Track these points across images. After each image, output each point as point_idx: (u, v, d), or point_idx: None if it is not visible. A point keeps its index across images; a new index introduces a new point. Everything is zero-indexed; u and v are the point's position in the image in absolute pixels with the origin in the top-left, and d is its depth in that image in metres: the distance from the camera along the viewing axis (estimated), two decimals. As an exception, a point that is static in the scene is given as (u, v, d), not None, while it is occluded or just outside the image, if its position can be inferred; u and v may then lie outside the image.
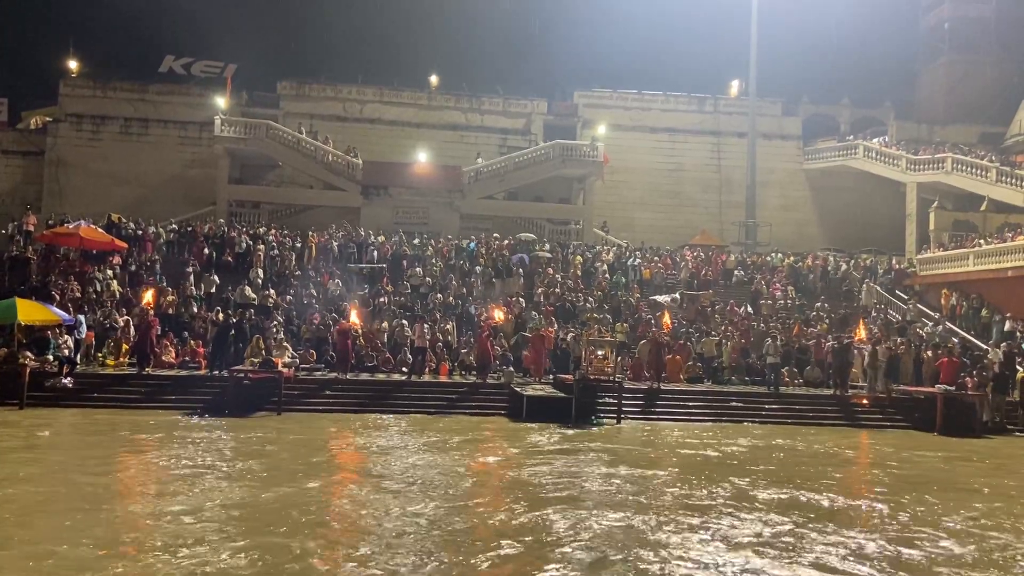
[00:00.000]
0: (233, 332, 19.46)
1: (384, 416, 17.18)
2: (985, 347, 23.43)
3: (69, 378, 17.65)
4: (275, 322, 21.53)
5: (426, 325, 21.55)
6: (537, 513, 9.03)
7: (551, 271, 27.55)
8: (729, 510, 9.49)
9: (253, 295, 23.22)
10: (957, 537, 8.72)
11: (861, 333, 22.39)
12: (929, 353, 21.48)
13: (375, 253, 27.59)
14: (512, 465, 12.25)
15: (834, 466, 13.37)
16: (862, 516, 9.66)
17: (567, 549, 7.70)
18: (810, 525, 8.93)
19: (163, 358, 20.00)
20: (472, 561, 7.30)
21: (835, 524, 9.02)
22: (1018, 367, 20.50)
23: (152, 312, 20.41)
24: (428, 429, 15.56)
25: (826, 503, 10.20)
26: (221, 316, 21.14)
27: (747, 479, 11.49)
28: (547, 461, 12.49)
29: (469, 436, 15.02)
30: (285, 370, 18.00)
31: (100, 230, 24.94)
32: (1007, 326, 24.58)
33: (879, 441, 16.79)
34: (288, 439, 13.81)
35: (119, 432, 13.99)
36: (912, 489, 11.30)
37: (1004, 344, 22.36)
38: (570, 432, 15.87)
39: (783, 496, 10.45)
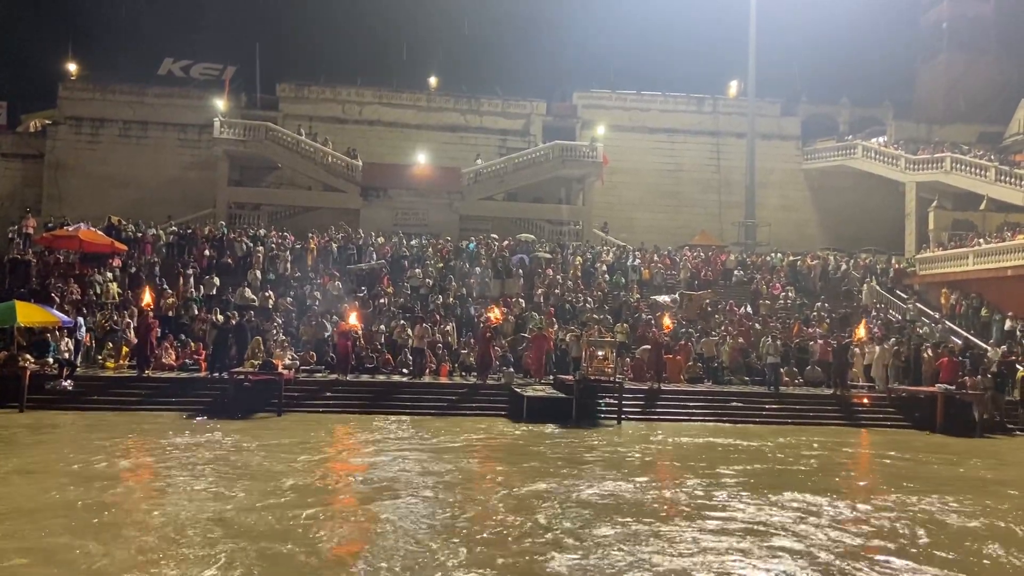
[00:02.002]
0: (233, 334, 19.44)
1: (385, 417, 17.16)
2: (985, 346, 23.46)
3: (69, 380, 17.66)
4: (275, 324, 21.54)
5: (426, 326, 21.56)
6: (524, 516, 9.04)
7: (551, 272, 27.54)
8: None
9: (253, 297, 23.24)
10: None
11: (861, 333, 22.40)
12: (929, 352, 21.50)
13: (374, 255, 27.60)
14: (508, 462, 12.26)
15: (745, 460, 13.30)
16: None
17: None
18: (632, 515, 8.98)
19: (163, 360, 20.02)
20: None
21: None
22: (1018, 366, 20.53)
23: (152, 314, 20.41)
24: (428, 430, 15.54)
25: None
26: (221, 318, 21.12)
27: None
28: (545, 467, 12.49)
29: (467, 437, 15.00)
30: (285, 372, 18.02)
31: (100, 233, 24.98)
32: (1007, 325, 24.60)
33: (856, 439, 16.99)
34: (287, 441, 13.77)
35: (116, 430, 13.99)
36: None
37: (1005, 343, 22.39)
38: (569, 432, 15.86)
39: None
